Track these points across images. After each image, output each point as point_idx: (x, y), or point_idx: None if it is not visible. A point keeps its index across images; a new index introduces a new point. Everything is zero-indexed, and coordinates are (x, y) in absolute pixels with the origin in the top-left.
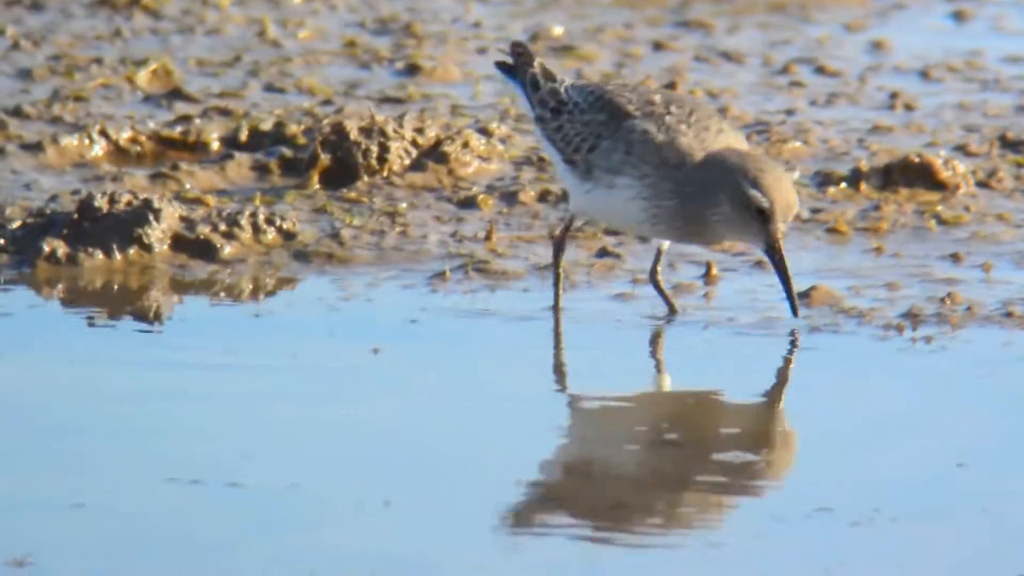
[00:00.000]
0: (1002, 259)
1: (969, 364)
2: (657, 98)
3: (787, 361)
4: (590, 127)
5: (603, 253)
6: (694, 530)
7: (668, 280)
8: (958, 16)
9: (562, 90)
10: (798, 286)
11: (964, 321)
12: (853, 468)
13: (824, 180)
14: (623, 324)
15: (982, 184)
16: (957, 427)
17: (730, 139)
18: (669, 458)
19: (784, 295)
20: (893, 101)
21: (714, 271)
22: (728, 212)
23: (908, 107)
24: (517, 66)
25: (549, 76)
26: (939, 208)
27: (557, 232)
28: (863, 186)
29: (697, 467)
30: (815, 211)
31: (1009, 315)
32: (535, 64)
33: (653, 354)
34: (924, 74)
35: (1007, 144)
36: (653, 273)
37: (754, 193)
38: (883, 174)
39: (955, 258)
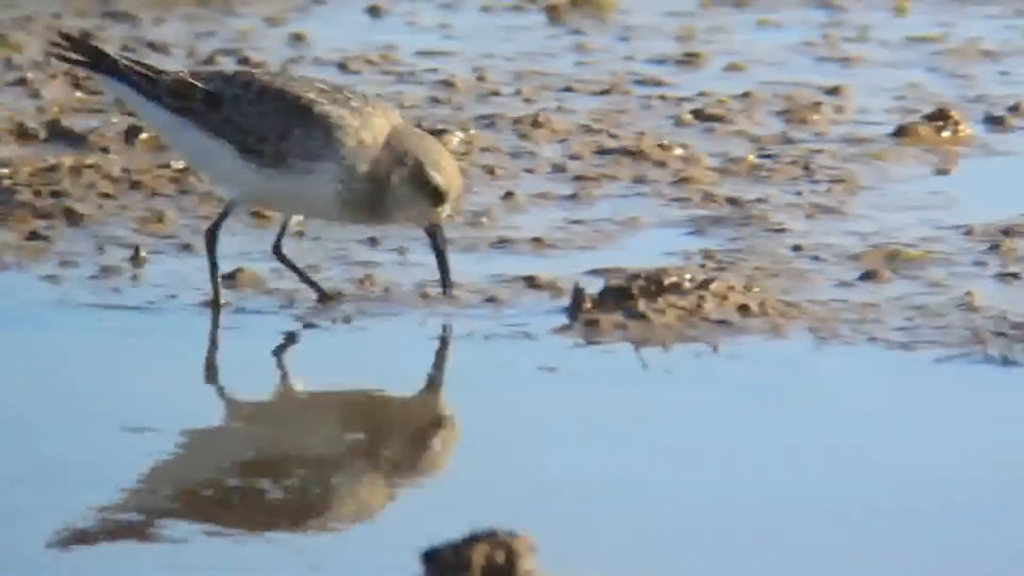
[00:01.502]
0: (417, 243)
1: (387, 342)
2: (323, 85)
3: (213, 339)
4: (272, 117)
5: (33, 236)
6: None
7: (96, 263)
8: (374, 11)
9: (194, 81)
10: (224, 269)
11: (381, 301)
12: (274, 433)
13: None
14: (54, 304)
15: None
16: (372, 402)
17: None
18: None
19: (440, 273)
20: None
21: (142, 254)
22: (405, 191)
23: None
24: (103, 62)
25: (149, 67)
26: None
27: (211, 224)
28: None
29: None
30: None
31: (423, 296)
32: (117, 56)
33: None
34: (343, 66)
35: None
36: (278, 247)
37: (433, 175)
38: None
39: (373, 242)
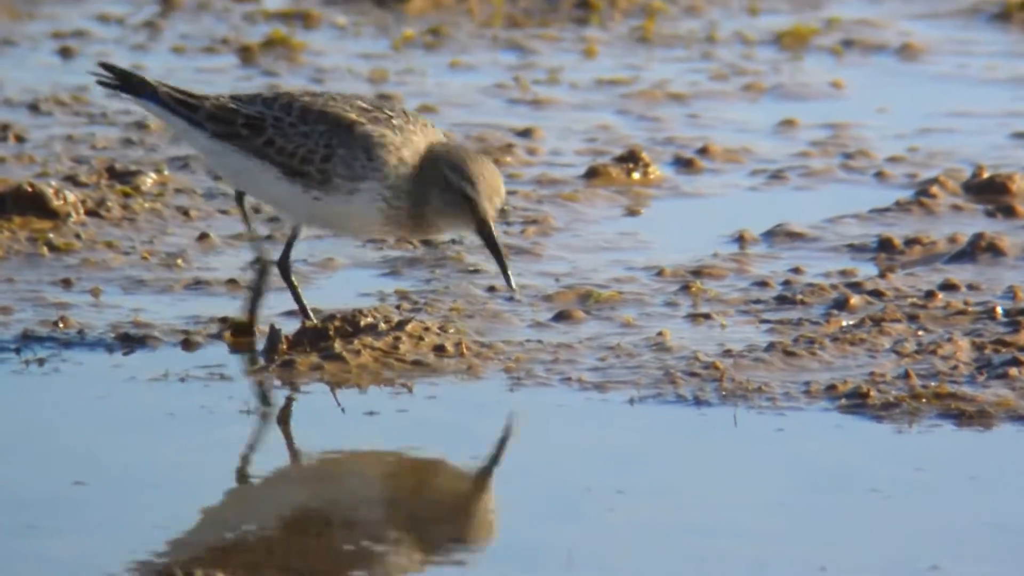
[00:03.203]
0: (111, 284)
1: (82, 384)
2: (363, 103)
3: None
4: (314, 137)
5: None
6: None
7: None
8: (64, 52)
9: (234, 105)
10: None
11: (75, 343)
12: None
13: None
14: None
15: (92, 213)
16: (69, 447)
17: (437, 134)
18: None
19: (501, 272)
20: (5, 133)
21: None
22: (440, 204)
23: (20, 138)
24: (134, 84)
25: (188, 93)
26: (51, 235)
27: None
28: None
29: None
30: None
31: (119, 338)
32: (156, 83)
33: None
34: (34, 107)
35: (115, 175)
36: (284, 264)
37: (458, 181)
38: None
39: (66, 283)
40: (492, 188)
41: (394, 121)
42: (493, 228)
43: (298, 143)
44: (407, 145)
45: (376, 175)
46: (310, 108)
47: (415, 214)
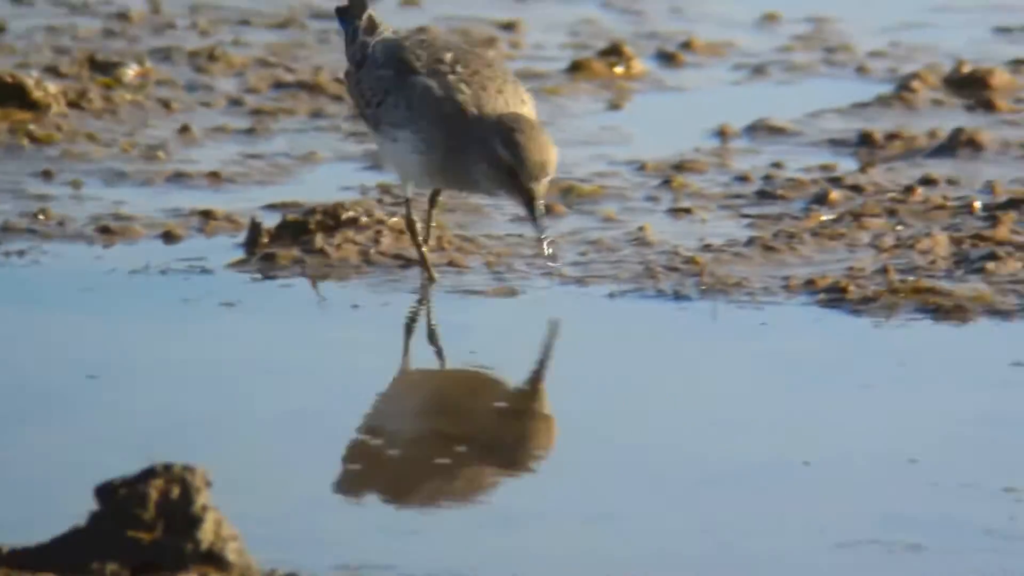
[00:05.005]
0: (92, 176)
1: (63, 276)
2: (448, 56)
3: None
4: (381, 82)
5: None
6: None
7: None
8: None
9: (371, 44)
10: None
11: (56, 235)
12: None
13: None
14: None
15: (73, 104)
16: (49, 340)
17: (508, 99)
18: None
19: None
20: None
21: None
22: (486, 170)
23: (0, 29)
24: (349, 15)
25: (371, 29)
26: (32, 126)
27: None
28: None
29: None
30: None
31: (99, 230)
32: (363, 16)
33: None
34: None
35: (96, 66)
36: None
37: (503, 152)
38: None
39: (47, 175)
40: (537, 163)
41: (450, 77)
42: (536, 204)
43: (370, 86)
44: (448, 101)
45: (411, 126)
46: (394, 54)
47: (457, 172)
